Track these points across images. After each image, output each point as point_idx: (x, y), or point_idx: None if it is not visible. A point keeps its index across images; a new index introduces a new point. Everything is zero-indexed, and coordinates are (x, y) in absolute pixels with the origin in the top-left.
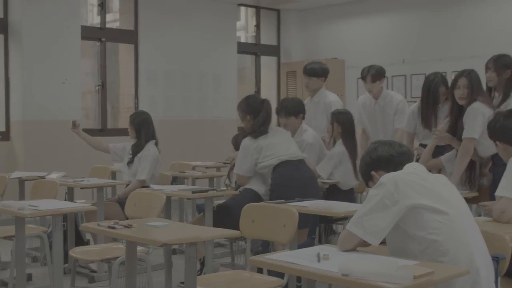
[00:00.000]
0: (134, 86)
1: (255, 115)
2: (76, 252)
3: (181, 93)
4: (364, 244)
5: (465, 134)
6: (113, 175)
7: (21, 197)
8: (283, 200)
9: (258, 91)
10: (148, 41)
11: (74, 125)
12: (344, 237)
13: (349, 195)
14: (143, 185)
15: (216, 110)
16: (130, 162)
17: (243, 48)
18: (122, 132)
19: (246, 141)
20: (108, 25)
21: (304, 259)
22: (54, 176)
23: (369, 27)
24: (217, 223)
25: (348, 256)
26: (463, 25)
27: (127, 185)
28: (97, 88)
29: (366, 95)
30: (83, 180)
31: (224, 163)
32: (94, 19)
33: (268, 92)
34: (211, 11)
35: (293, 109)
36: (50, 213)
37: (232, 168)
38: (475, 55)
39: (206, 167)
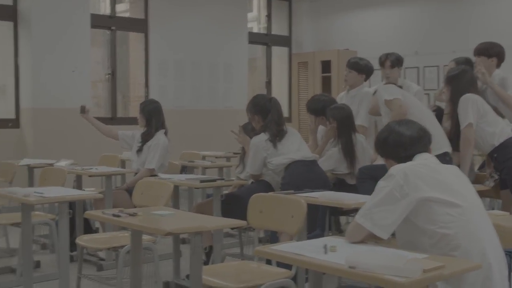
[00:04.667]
0: (144, 75)
1: (263, 115)
2: (83, 240)
3: (191, 83)
4: (374, 236)
5: (461, 124)
6: (122, 164)
7: (30, 184)
8: (291, 191)
9: (269, 81)
10: (158, 30)
11: (83, 110)
12: (352, 229)
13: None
14: (152, 174)
15: (226, 100)
16: (139, 150)
17: (254, 38)
18: (132, 121)
19: (255, 139)
20: (118, 14)
21: (311, 250)
22: (62, 163)
23: (381, 17)
24: (226, 213)
25: (356, 249)
26: (478, 17)
27: (136, 173)
28: (107, 76)
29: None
30: (92, 168)
31: (234, 153)
32: (105, 8)
33: (279, 83)
34: (223, 1)
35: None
36: (56, 200)
37: (241, 157)
38: None
39: (216, 157)
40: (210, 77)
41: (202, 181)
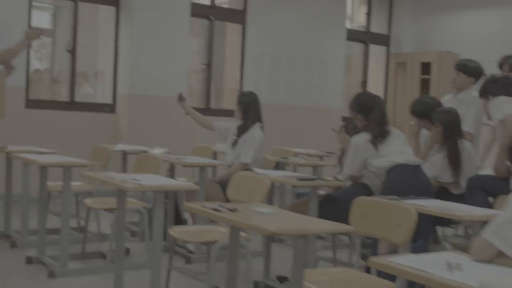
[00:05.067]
0: (240, 68)
1: (366, 114)
2: (175, 231)
3: (286, 78)
4: (503, 255)
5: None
6: (214, 155)
7: (124, 169)
8: (395, 196)
9: (364, 81)
10: (256, 22)
11: (181, 97)
12: (479, 246)
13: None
14: (246, 168)
15: (320, 97)
16: (235, 143)
17: (352, 35)
18: (225, 113)
19: (356, 139)
20: (217, 4)
21: (431, 266)
22: (157, 151)
23: (488, 19)
24: (322, 215)
25: (485, 268)
26: None
27: (229, 166)
28: (202, 67)
29: None
30: (185, 158)
31: (328, 153)
32: None
33: (375, 83)
34: None
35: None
36: (153, 189)
37: (339, 158)
38: None
39: (309, 155)
40: (305, 73)
41: (300, 179)
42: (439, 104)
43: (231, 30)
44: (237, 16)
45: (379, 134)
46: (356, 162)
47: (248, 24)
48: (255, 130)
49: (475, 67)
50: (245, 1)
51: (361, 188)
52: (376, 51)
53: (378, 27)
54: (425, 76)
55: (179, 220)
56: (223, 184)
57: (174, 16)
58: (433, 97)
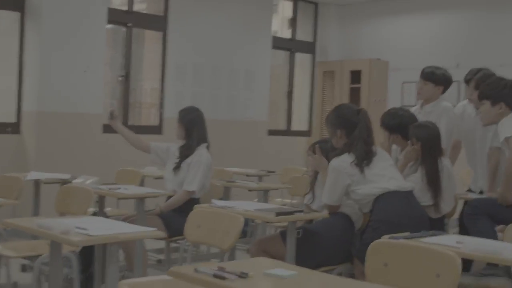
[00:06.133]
0: (160, 80)
1: (348, 131)
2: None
3: (210, 90)
4: None
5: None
6: (142, 181)
7: (36, 203)
8: (407, 233)
9: (290, 91)
10: (178, 29)
11: (112, 115)
12: None
13: (440, 225)
14: (192, 196)
15: (246, 110)
16: (177, 167)
17: (277, 43)
18: (144, 130)
19: (337, 162)
20: (135, 9)
21: None
22: (82, 181)
23: (417, 26)
24: (301, 254)
25: None
26: None
27: (169, 197)
28: (119, 79)
29: (466, 102)
30: (119, 188)
31: (269, 172)
32: (121, 1)
33: (302, 94)
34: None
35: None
36: (107, 241)
37: (311, 184)
38: None
39: (247, 175)
40: (230, 84)
41: (278, 214)
42: (413, 117)
43: (151, 38)
44: (157, 22)
45: (365, 155)
46: (337, 190)
47: (170, 31)
48: (200, 152)
49: (443, 74)
50: (165, 6)
51: (341, 219)
52: (302, 60)
53: (303, 35)
54: (355, 85)
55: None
56: (164, 217)
57: (88, 22)
58: (406, 109)
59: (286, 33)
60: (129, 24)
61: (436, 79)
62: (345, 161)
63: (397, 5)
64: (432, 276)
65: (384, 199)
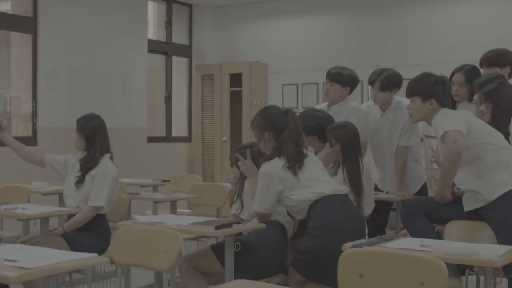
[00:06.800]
0: (32, 86)
1: (277, 133)
2: None
3: (86, 96)
4: None
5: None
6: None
7: None
8: (384, 236)
9: (169, 96)
10: (49, 32)
11: (1, 126)
12: None
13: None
14: (99, 212)
15: (125, 116)
16: (80, 181)
17: (153, 47)
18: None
19: (267, 167)
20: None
21: None
22: None
23: (295, 28)
24: (239, 267)
25: None
26: (406, 30)
27: (70, 215)
28: None
29: (370, 102)
30: (16, 208)
31: (164, 181)
32: None
33: (180, 98)
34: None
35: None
36: (49, 273)
37: (239, 192)
38: (419, 62)
39: (142, 185)
40: (107, 90)
41: (217, 227)
42: (330, 118)
43: (18, 41)
44: (26, 24)
45: (297, 157)
46: (269, 197)
47: (40, 34)
48: (105, 163)
49: (349, 75)
50: (34, 6)
51: (275, 228)
52: (179, 63)
53: (179, 38)
54: (236, 88)
55: None
56: (69, 237)
57: None
58: (322, 110)
59: (162, 36)
60: None
61: (343, 79)
62: (276, 165)
63: (274, 8)
64: (416, 285)
65: (320, 204)
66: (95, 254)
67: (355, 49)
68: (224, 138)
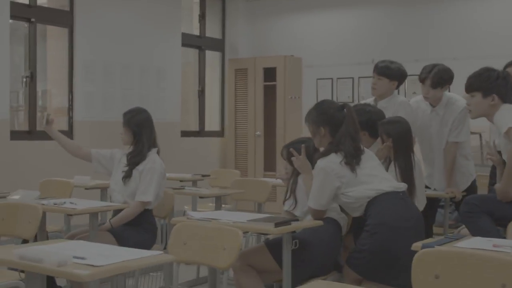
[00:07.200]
0: (68, 80)
1: (333, 128)
2: None
3: (121, 90)
4: None
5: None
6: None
7: None
8: (457, 235)
9: (202, 90)
10: (86, 25)
11: (47, 120)
12: None
13: None
14: (146, 207)
15: (159, 110)
16: (127, 176)
17: (186, 41)
18: None
19: (324, 163)
20: (38, 3)
21: None
22: (19, 196)
23: (329, 22)
24: (295, 265)
25: None
26: (443, 24)
27: (116, 210)
28: (24, 80)
29: (419, 98)
30: (65, 202)
31: (203, 176)
32: None
33: (213, 92)
34: None
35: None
36: (118, 271)
37: (292, 188)
38: (457, 57)
39: (181, 180)
40: (142, 84)
41: (277, 224)
42: (381, 113)
43: (54, 35)
44: (62, 18)
45: (354, 153)
46: (325, 194)
47: (76, 27)
48: (153, 158)
49: (398, 69)
50: (71, 0)
51: (330, 225)
52: (212, 57)
53: (212, 31)
54: (270, 83)
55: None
56: (116, 233)
57: None
58: (373, 105)
59: (195, 30)
60: (33, 20)
61: (391, 73)
62: (333, 161)
63: (308, 1)
64: (497, 287)
65: (379, 201)
66: (160, 252)
67: (390, 43)
68: (258, 133)
